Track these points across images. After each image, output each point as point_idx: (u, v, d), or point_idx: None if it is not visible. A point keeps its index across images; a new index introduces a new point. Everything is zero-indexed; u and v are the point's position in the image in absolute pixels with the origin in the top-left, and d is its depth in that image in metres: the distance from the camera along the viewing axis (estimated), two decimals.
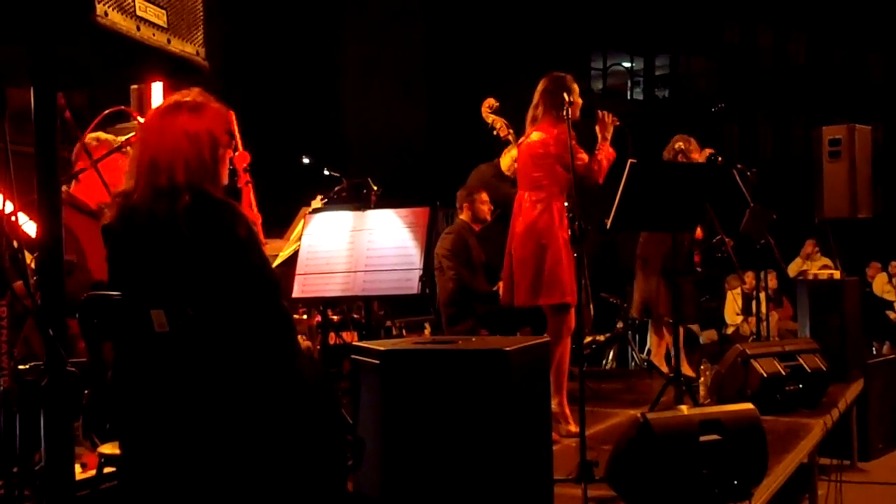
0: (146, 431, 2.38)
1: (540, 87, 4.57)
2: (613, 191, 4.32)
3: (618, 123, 4.45)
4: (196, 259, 2.35)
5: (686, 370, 5.78)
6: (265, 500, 2.33)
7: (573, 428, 4.34)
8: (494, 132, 4.94)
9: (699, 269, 6.27)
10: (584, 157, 4.39)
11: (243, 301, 2.38)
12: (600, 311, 9.16)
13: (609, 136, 4.48)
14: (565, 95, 4.29)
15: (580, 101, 4.43)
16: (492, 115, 4.85)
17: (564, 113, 4.14)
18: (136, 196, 2.41)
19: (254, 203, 3.36)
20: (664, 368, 6.02)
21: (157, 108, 2.54)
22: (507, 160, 6.17)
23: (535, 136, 4.53)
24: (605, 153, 4.46)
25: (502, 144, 6.12)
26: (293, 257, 4.19)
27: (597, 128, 4.50)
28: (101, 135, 3.84)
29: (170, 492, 2.37)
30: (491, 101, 4.81)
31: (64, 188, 3.83)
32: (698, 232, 5.99)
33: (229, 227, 2.38)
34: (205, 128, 2.48)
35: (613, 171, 4.52)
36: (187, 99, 2.51)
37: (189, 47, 1.96)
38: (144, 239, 2.38)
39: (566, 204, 4.53)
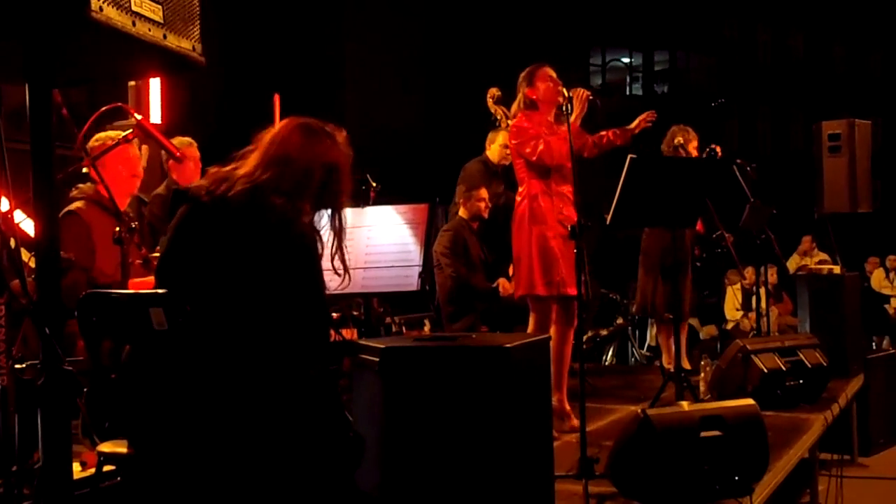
0: (157, 428, 2.38)
1: None
2: (608, 184, 4.30)
3: (590, 97, 4.40)
4: (275, 272, 2.39)
5: (683, 363, 5.78)
6: (272, 494, 2.33)
7: (574, 423, 4.33)
8: (497, 123, 4.94)
9: (698, 264, 6.25)
10: (532, 145, 4.36)
11: (292, 314, 2.42)
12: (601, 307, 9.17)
13: (579, 113, 4.34)
14: (537, 86, 4.41)
15: (550, 84, 4.42)
16: (494, 105, 4.85)
17: (516, 106, 4.32)
18: (251, 185, 2.43)
19: None
20: (669, 365, 5.99)
21: (301, 124, 2.59)
22: (495, 150, 6.15)
23: None
24: (563, 132, 4.24)
25: None
26: None
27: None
28: (102, 134, 3.86)
29: (178, 488, 2.37)
30: (494, 91, 4.81)
31: (90, 186, 3.85)
32: (699, 226, 5.98)
33: (312, 252, 2.46)
34: (337, 167, 2.57)
35: (615, 166, 4.50)
36: (333, 131, 2.61)
37: (185, 43, 1.95)
38: (229, 223, 2.40)
39: (569, 191, 4.47)
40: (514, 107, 4.58)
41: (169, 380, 2.38)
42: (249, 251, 2.39)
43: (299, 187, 2.48)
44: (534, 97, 4.48)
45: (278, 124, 2.61)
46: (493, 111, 4.84)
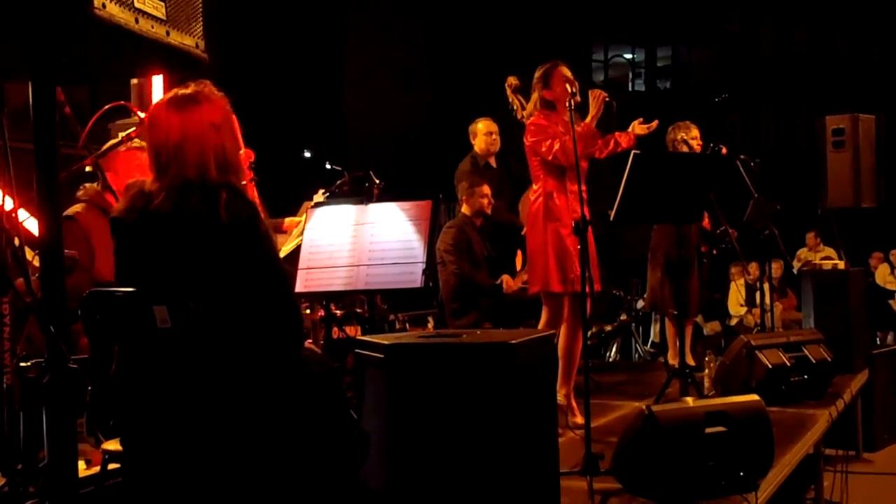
0: (151, 427, 2.37)
1: None
2: (618, 182, 4.29)
3: (606, 99, 4.41)
4: (223, 255, 2.35)
5: (687, 359, 5.77)
6: (274, 493, 2.32)
7: (579, 420, 4.33)
8: (514, 111, 4.94)
9: (705, 261, 6.24)
10: (547, 144, 4.39)
11: (258, 294, 2.38)
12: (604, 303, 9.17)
13: (594, 114, 4.40)
14: (553, 87, 4.43)
15: (567, 86, 4.38)
16: (512, 94, 4.85)
17: (530, 106, 4.39)
18: (163, 196, 2.38)
19: (257, 200, 3.35)
20: (674, 361, 5.99)
21: (168, 102, 2.49)
22: (479, 141, 6.19)
23: None
24: (580, 132, 4.27)
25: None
26: (296, 252, 4.18)
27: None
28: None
29: (177, 487, 2.36)
30: (512, 80, 4.81)
31: (94, 186, 3.82)
32: (705, 221, 5.98)
33: (254, 224, 2.38)
34: (223, 119, 2.49)
35: (617, 162, 4.50)
36: (200, 90, 2.49)
37: (188, 39, 1.95)
38: (170, 238, 2.36)
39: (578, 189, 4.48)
40: (531, 106, 4.60)
41: (167, 379, 2.36)
42: (191, 257, 2.34)
43: (202, 169, 2.40)
44: (550, 98, 4.50)
45: (151, 112, 2.51)
46: (510, 100, 4.84)
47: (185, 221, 2.35)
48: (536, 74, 4.56)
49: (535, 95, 4.57)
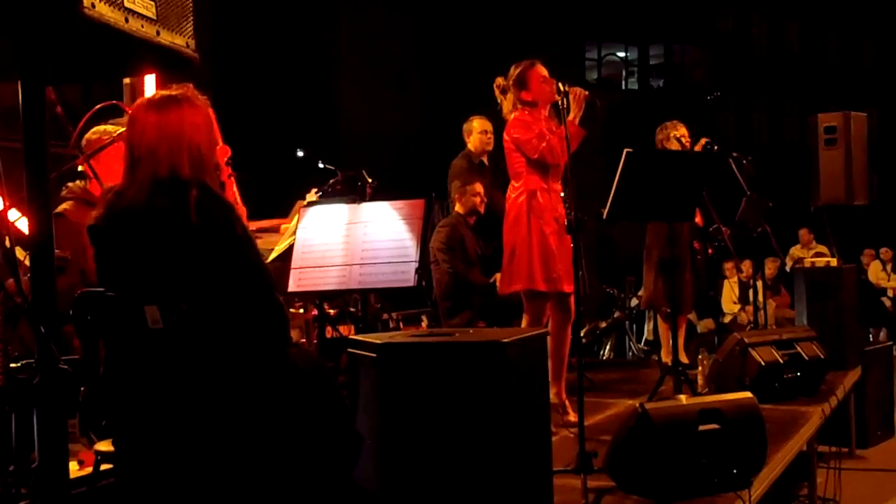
0: (141, 428, 2.36)
1: None
2: (610, 180, 4.29)
3: (588, 97, 4.39)
4: (197, 252, 2.33)
5: (681, 357, 5.77)
6: (266, 492, 2.32)
7: (572, 418, 4.33)
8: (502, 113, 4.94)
9: (699, 257, 6.25)
10: (533, 142, 4.37)
11: (239, 295, 2.37)
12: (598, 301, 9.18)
13: (577, 113, 4.34)
14: (531, 88, 4.44)
15: (544, 85, 4.39)
16: (500, 96, 4.85)
17: (509, 105, 4.39)
18: (133, 191, 2.37)
19: (238, 196, 3.34)
20: (667, 359, 6.00)
21: (148, 101, 2.49)
22: (474, 139, 6.17)
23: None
24: (562, 132, 4.20)
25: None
26: (288, 251, 4.17)
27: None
28: (100, 128, 3.80)
29: (168, 487, 2.35)
30: (500, 81, 4.81)
31: (79, 184, 3.80)
32: (698, 219, 5.98)
33: (229, 222, 2.37)
34: (203, 120, 2.48)
35: (611, 160, 4.50)
36: (181, 92, 2.49)
37: (178, 39, 1.94)
38: (142, 234, 2.34)
39: (560, 189, 4.49)
40: (508, 106, 4.56)
41: (157, 380, 2.35)
42: (162, 256, 2.32)
43: (174, 168, 2.38)
44: (529, 99, 4.48)
45: (131, 111, 2.51)
46: (500, 101, 4.84)
47: (154, 219, 2.34)
48: (512, 74, 4.53)
49: (510, 96, 4.53)
